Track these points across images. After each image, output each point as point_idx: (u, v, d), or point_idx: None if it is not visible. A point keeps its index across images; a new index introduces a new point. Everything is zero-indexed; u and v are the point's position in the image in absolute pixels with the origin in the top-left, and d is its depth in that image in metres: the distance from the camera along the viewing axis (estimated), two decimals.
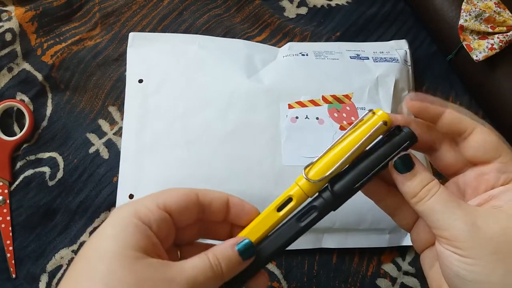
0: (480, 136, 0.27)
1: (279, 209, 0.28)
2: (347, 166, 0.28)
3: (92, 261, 0.23)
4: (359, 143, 0.27)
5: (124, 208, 0.25)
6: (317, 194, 0.28)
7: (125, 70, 0.48)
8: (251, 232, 0.28)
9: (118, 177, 0.44)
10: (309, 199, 0.28)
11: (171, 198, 0.26)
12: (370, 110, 0.28)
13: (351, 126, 0.28)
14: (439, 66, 0.52)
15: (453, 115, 0.27)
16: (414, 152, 0.28)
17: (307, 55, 0.48)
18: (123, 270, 0.22)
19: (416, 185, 0.26)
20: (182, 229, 0.28)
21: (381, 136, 0.28)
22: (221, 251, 0.26)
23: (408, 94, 0.49)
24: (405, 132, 0.27)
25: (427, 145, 0.29)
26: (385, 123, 0.27)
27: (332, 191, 0.27)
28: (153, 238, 0.25)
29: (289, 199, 0.28)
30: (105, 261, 0.23)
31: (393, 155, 0.27)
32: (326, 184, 0.28)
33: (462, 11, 0.46)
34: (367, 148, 0.28)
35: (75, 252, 0.44)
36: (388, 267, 0.45)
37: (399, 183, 0.27)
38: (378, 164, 0.27)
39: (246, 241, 0.26)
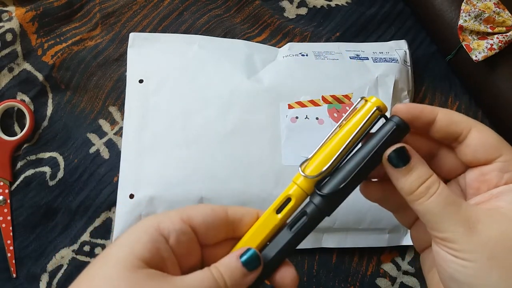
0: (478, 135, 0.25)
1: (278, 211, 0.26)
2: (335, 167, 0.26)
3: (97, 266, 0.23)
4: (354, 133, 0.25)
5: (149, 218, 0.25)
6: (308, 200, 0.26)
7: (125, 70, 0.48)
8: (251, 239, 0.26)
9: (118, 177, 0.44)
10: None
11: (198, 213, 0.25)
12: (362, 98, 0.27)
13: (344, 116, 0.26)
14: (439, 66, 0.52)
15: (447, 118, 0.26)
16: None
17: (307, 55, 0.48)
18: (118, 278, 0.22)
19: (413, 181, 0.25)
20: (211, 248, 0.26)
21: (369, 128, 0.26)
22: (224, 264, 0.24)
23: (407, 94, 0.49)
24: (393, 122, 0.25)
25: (424, 154, 0.27)
26: (379, 109, 0.26)
27: (321, 194, 0.25)
28: (164, 251, 0.24)
29: (288, 200, 0.26)
30: (106, 267, 0.23)
31: (377, 147, 0.25)
32: (315, 189, 0.26)
33: (461, 11, 0.46)
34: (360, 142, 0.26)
35: (76, 252, 0.44)
36: (388, 267, 0.45)
37: (394, 179, 0.25)
38: (363, 161, 0.25)
39: (251, 251, 0.25)
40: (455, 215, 0.24)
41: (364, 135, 0.26)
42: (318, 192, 0.25)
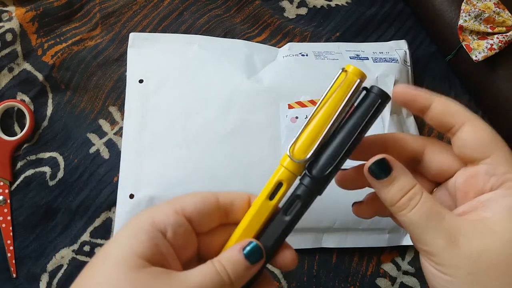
0: (470, 131, 0.24)
1: (271, 197, 0.26)
2: (322, 145, 0.26)
3: (97, 267, 0.23)
4: (339, 109, 0.25)
5: (142, 214, 0.25)
6: (298, 182, 0.26)
7: (125, 70, 0.48)
8: (249, 228, 0.26)
9: (118, 177, 0.44)
10: (295, 185, 0.26)
11: (189, 202, 0.25)
12: (342, 69, 0.26)
13: (325, 90, 0.26)
14: (439, 66, 0.52)
15: (442, 106, 0.25)
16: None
17: (307, 55, 0.48)
18: (122, 279, 0.22)
19: (395, 193, 0.24)
20: (206, 236, 0.26)
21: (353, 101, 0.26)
22: (227, 257, 0.24)
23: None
24: (375, 94, 0.25)
25: (408, 159, 0.27)
26: (361, 81, 0.25)
27: (311, 176, 0.25)
28: (163, 247, 0.24)
29: (280, 184, 0.26)
30: (107, 268, 0.22)
31: (363, 124, 0.25)
32: (305, 170, 0.25)
33: (461, 11, 0.46)
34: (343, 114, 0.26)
35: (76, 252, 0.44)
36: (388, 267, 0.45)
37: (376, 189, 0.25)
38: (352, 137, 0.25)
39: (253, 244, 0.25)
40: (438, 227, 0.23)
41: (344, 119, 0.26)
42: (309, 175, 0.25)
